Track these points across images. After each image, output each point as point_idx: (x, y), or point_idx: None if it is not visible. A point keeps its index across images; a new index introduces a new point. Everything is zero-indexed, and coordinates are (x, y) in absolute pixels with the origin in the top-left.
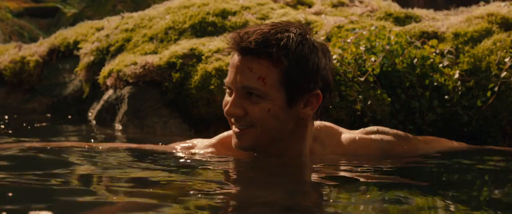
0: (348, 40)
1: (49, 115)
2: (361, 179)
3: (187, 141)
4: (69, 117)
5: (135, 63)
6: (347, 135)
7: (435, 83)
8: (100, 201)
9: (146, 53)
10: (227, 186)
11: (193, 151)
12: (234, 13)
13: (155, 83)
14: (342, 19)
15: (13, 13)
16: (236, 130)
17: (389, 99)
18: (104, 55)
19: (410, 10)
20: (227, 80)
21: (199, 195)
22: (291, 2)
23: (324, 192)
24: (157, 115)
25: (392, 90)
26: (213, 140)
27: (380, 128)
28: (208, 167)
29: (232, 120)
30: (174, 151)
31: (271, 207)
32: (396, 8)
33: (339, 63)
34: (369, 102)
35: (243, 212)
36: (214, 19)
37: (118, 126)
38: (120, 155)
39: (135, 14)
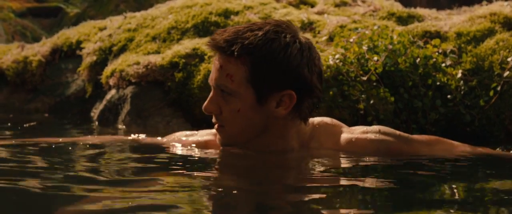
0: (351, 40)
1: (51, 115)
2: (341, 178)
3: (184, 132)
4: (72, 116)
5: (137, 63)
6: (345, 134)
7: (438, 83)
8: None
9: (148, 53)
10: (196, 178)
11: (182, 141)
12: (236, 13)
13: (157, 83)
14: (345, 18)
15: (16, 13)
16: (215, 126)
17: (392, 98)
18: (106, 55)
19: (412, 9)
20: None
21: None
22: (294, 1)
23: (297, 193)
24: (160, 115)
25: (394, 90)
26: (206, 132)
27: (383, 128)
28: (190, 159)
29: (212, 117)
30: (162, 144)
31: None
32: (398, 7)
33: (341, 63)
34: (371, 102)
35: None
36: (216, 19)
37: (121, 126)
38: (112, 147)
39: (137, 14)
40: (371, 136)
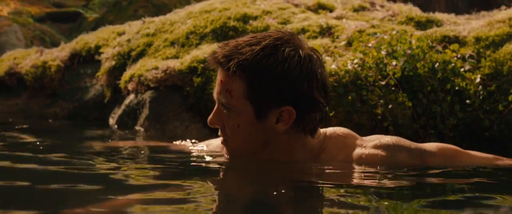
0: (369, 45)
1: (70, 120)
2: (348, 189)
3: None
4: (90, 121)
5: (156, 68)
6: (357, 149)
7: (457, 88)
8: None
9: (167, 58)
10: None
11: (195, 150)
12: (255, 18)
13: (176, 88)
14: (363, 23)
15: (35, 18)
16: (221, 139)
17: (410, 103)
18: (125, 60)
19: (431, 14)
20: None
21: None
22: (313, 6)
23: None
24: (178, 120)
25: (413, 95)
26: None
27: (396, 141)
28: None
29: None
30: (173, 149)
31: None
32: (417, 12)
33: (360, 68)
34: (390, 107)
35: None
36: (235, 23)
37: (140, 131)
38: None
39: (156, 19)
40: (383, 152)
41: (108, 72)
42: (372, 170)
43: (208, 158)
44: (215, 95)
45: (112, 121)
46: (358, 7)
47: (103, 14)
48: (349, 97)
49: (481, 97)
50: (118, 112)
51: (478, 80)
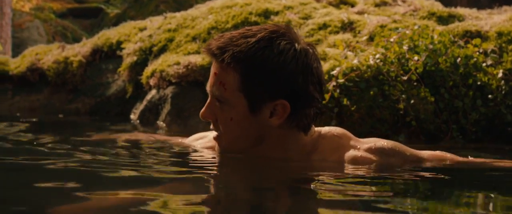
0: (391, 40)
1: (91, 115)
2: (338, 188)
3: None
4: (112, 117)
5: (178, 63)
6: (351, 152)
7: (479, 83)
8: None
9: (189, 53)
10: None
11: (189, 144)
12: (276, 13)
13: (198, 83)
14: (385, 18)
15: (57, 13)
16: (213, 134)
17: (432, 98)
18: (147, 55)
19: (453, 9)
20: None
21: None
22: (334, 1)
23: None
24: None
25: (435, 90)
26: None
27: (393, 147)
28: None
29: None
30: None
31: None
32: (439, 7)
33: (382, 63)
34: (412, 102)
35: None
36: (256, 19)
37: (161, 126)
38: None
39: (177, 14)
40: (376, 156)
41: (129, 68)
42: (363, 172)
43: (199, 154)
44: (208, 88)
45: (134, 116)
46: (380, 2)
47: (125, 10)
48: (371, 92)
49: (503, 92)
50: (140, 107)
51: (500, 75)
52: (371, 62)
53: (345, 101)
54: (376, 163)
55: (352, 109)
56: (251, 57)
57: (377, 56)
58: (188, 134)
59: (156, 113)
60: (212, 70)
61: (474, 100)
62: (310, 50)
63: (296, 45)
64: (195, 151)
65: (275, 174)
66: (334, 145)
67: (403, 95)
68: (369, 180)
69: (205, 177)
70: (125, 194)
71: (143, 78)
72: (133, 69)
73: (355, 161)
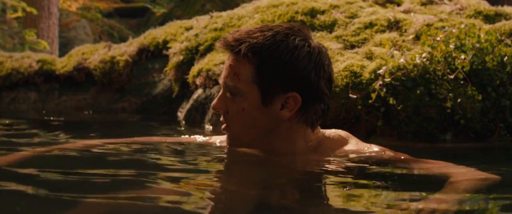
0: (438, 38)
1: (138, 115)
2: (345, 180)
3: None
4: (159, 116)
5: (224, 63)
6: (356, 147)
7: None
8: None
9: None
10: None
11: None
12: (322, 12)
13: None
14: (432, 17)
15: (103, 13)
16: (223, 126)
17: (479, 97)
18: (193, 54)
19: (500, 7)
20: None
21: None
22: (380, 0)
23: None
24: None
25: (482, 89)
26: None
27: (396, 153)
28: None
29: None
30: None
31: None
32: (485, 6)
33: (428, 62)
34: (459, 100)
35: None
36: (303, 18)
37: (208, 126)
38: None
39: (223, 14)
40: (383, 154)
41: (176, 67)
42: (371, 166)
43: (207, 152)
44: (221, 80)
45: (180, 115)
46: (426, 0)
47: (171, 9)
48: (418, 91)
49: None
50: (186, 106)
51: None
52: (418, 61)
53: (392, 100)
54: (382, 157)
55: (399, 108)
56: (267, 49)
57: (424, 55)
58: None
59: (203, 112)
60: (227, 62)
61: None
62: (323, 49)
63: (310, 42)
64: (201, 146)
65: (282, 168)
66: (339, 142)
67: (450, 94)
68: (375, 174)
69: (214, 172)
70: (126, 195)
71: (190, 78)
72: (179, 68)
73: (361, 156)
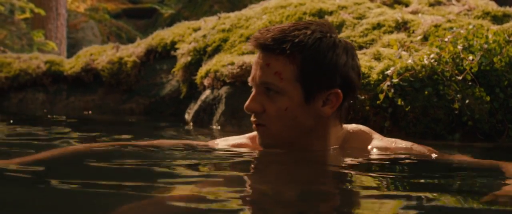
0: (446, 39)
1: (146, 116)
2: (377, 180)
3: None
4: (166, 117)
5: (232, 63)
6: (382, 142)
7: None
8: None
9: (243, 53)
10: (239, 181)
11: (219, 146)
12: (330, 13)
13: None
14: (440, 18)
15: (111, 14)
16: (255, 126)
17: (488, 98)
18: (201, 55)
19: (508, 8)
20: (249, 77)
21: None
22: (388, 1)
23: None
24: None
25: (490, 90)
26: (243, 136)
27: (415, 145)
28: (227, 161)
29: (252, 116)
30: (199, 147)
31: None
32: (493, 6)
33: (436, 62)
34: (467, 102)
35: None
36: (310, 19)
37: (216, 126)
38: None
39: (231, 14)
40: (403, 150)
41: (184, 68)
42: (399, 158)
43: (235, 154)
44: (252, 80)
45: (188, 116)
46: (434, 1)
47: (179, 10)
48: (426, 92)
49: None
50: (194, 107)
51: None
52: (426, 62)
53: (400, 101)
54: (409, 149)
55: (407, 109)
56: (311, 47)
57: (432, 56)
58: (243, 134)
59: (211, 113)
60: (261, 62)
61: None
62: (352, 44)
63: (340, 39)
64: (228, 150)
65: (313, 165)
66: (364, 138)
67: (458, 95)
68: (407, 166)
69: (247, 173)
70: (180, 192)
71: (197, 79)
72: (187, 69)
73: (383, 148)
